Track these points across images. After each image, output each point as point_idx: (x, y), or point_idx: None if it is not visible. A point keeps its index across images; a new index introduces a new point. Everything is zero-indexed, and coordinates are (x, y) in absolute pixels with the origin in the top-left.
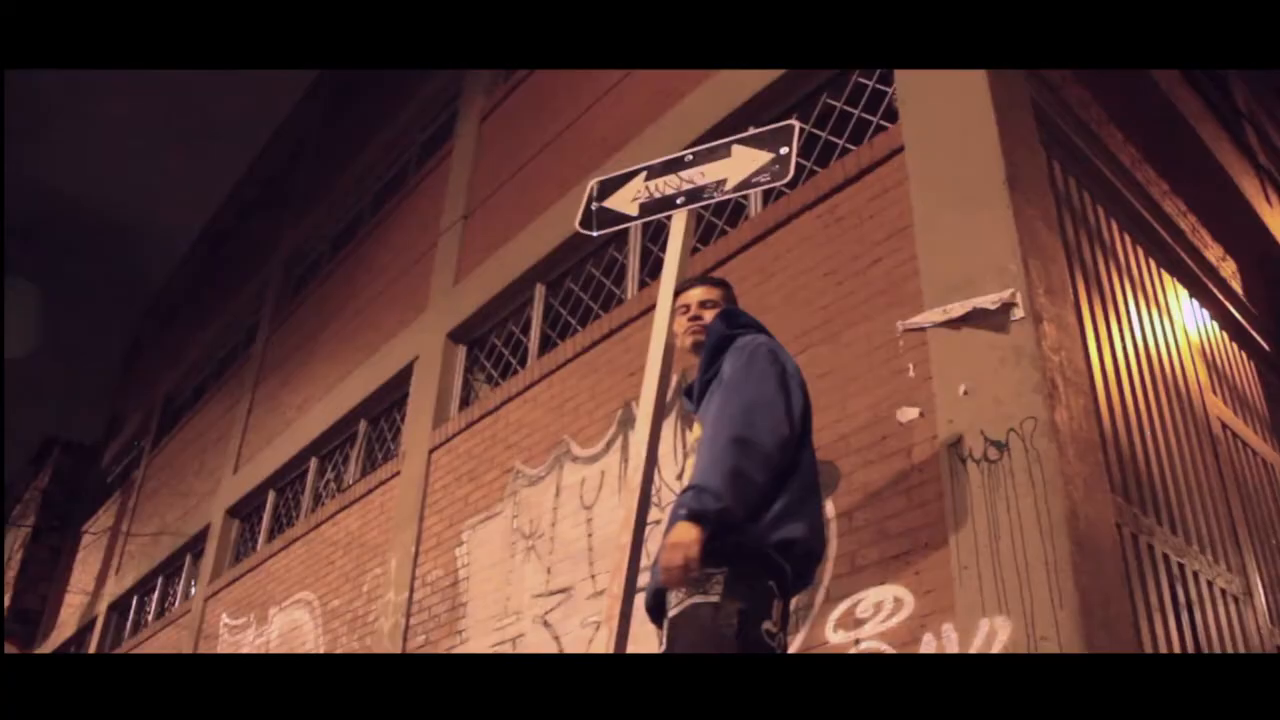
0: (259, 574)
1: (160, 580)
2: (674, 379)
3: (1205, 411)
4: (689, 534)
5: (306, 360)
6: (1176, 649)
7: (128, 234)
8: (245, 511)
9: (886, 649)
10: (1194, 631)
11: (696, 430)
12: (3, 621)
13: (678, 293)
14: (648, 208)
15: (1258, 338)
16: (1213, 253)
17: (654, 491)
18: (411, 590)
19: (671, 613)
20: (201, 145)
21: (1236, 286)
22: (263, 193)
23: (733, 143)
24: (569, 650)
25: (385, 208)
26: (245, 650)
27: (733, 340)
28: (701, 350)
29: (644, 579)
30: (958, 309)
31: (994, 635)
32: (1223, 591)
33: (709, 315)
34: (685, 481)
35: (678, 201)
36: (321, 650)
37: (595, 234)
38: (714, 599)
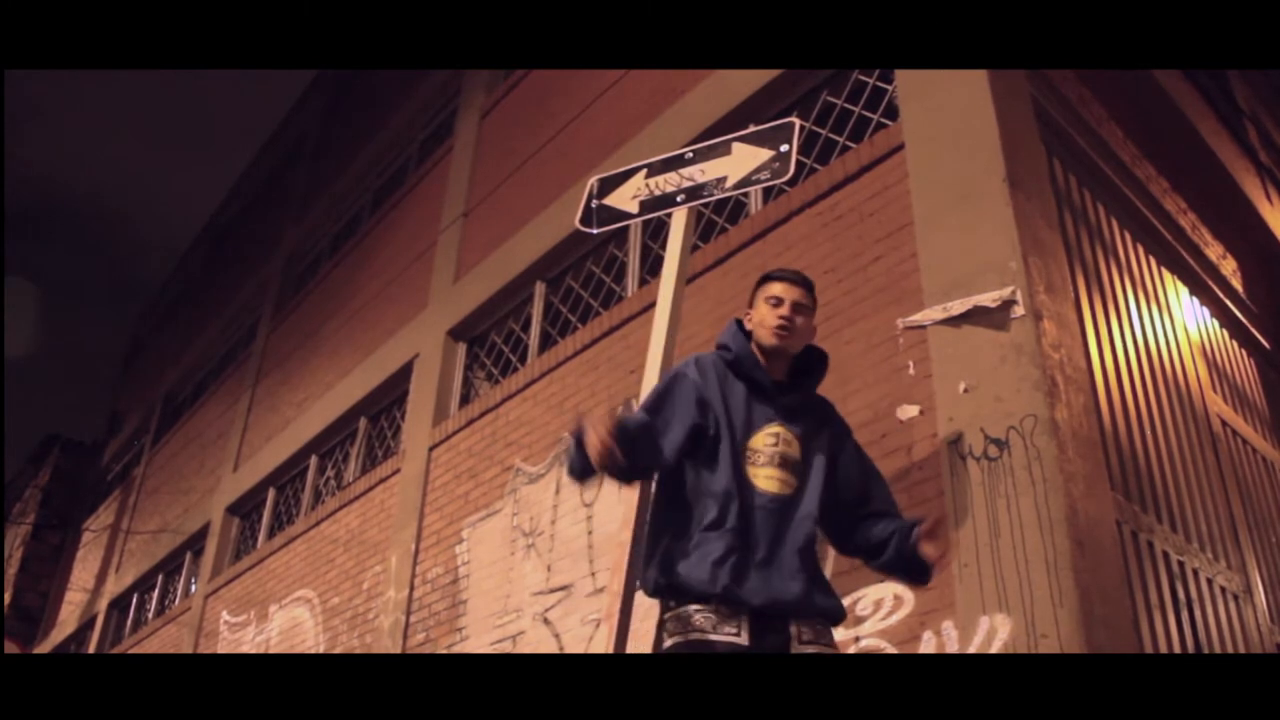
0: (259, 571)
1: (160, 578)
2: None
3: (1205, 409)
4: None
5: (307, 358)
6: (1176, 647)
7: (129, 232)
8: (245, 509)
9: (886, 646)
10: (1194, 629)
11: (793, 443)
12: (3, 619)
13: (773, 278)
14: (648, 205)
15: (1258, 335)
16: (1213, 250)
17: (653, 488)
18: (412, 588)
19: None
20: (202, 143)
21: (1237, 284)
22: (263, 191)
23: (733, 140)
24: (569, 648)
25: (385, 205)
26: (245, 648)
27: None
28: (783, 356)
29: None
30: (958, 306)
31: (994, 633)
32: (1223, 589)
33: (801, 321)
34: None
35: (678, 199)
36: (322, 648)
37: (595, 231)
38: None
